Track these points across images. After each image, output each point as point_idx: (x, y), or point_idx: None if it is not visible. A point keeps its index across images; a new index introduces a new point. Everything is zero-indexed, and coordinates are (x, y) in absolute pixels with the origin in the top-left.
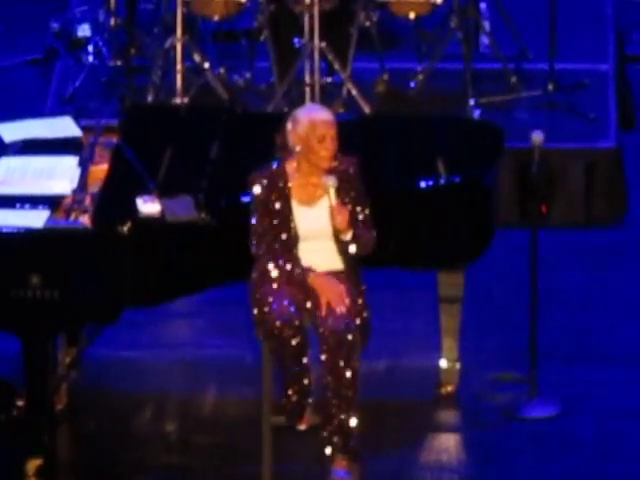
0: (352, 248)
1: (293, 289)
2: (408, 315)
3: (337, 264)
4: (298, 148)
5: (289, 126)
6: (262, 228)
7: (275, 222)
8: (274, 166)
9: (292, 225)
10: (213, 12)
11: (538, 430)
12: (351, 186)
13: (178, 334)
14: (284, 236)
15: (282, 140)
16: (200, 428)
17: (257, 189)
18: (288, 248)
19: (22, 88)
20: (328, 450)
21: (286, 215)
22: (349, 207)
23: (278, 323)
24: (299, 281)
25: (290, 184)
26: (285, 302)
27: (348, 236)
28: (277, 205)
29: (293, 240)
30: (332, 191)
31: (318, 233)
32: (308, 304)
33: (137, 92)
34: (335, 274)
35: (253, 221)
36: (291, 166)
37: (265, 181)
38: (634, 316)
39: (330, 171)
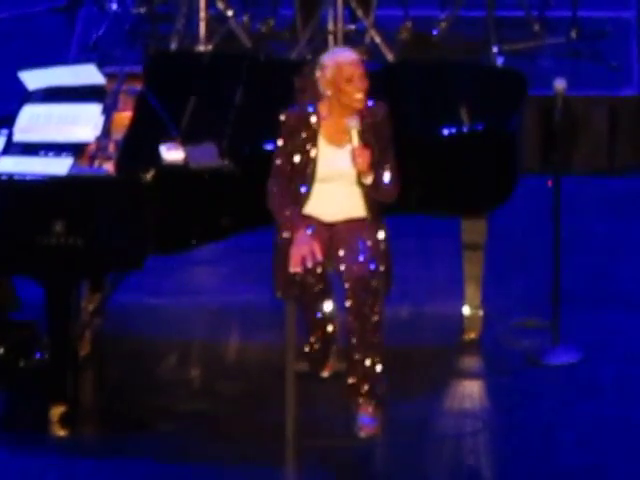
0: (373, 194)
1: (315, 236)
2: (431, 262)
3: (355, 210)
4: (329, 92)
5: (318, 72)
6: (282, 164)
7: (297, 160)
8: (308, 106)
9: (312, 166)
10: None
11: (561, 376)
12: (379, 132)
13: (202, 281)
14: (300, 176)
15: (300, 84)
16: (224, 375)
17: (287, 121)
18: (301, 190)
19: (45, 35)
20: (354, 397)
21: (310, 154)
22: (374, 152)
23: (300, 271)
24: (318, 229)
25: (322, 123)
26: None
27: (369, 179)
28: (304, 142)
29: (309, 181)
30: (354, 132)
31: (341, 174)
32: (331, 251)
33: (160, 40)
34: (354, 221)
35: (276, 160)
36: (323, 109)
37: (297, 116)
38: None
39: (358, 112)
